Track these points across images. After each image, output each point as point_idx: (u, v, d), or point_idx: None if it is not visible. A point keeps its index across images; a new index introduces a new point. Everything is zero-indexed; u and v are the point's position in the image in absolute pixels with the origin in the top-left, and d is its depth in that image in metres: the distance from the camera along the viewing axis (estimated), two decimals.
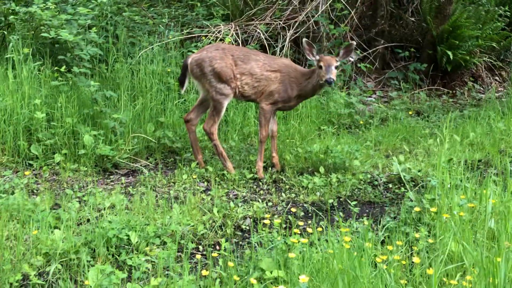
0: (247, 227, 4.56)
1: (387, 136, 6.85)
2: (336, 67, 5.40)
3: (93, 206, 4.69)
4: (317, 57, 5.45)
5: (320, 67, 5.37)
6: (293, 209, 4.79)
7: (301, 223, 4.43)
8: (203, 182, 5.46)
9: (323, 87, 5.64)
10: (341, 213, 4.83)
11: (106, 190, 5.21)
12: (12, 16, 7.07)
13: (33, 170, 5.54)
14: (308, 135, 6.71)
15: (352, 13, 8.70)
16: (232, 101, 6.43)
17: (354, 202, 4.83)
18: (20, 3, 7.37)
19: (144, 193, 5.05)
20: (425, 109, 8.25)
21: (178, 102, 6.75)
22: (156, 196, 5.06)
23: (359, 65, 8.73)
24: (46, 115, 5.92)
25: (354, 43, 5.61)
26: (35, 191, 5.08)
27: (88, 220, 4.45)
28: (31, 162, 5.62)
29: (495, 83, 10.03)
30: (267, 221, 4.26)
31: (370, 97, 8.58)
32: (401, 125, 7.24)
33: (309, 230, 3.98)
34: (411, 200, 4.56)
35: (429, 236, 4.03)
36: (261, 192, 5.35)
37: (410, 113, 7.81)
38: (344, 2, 8.56)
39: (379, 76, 9.34)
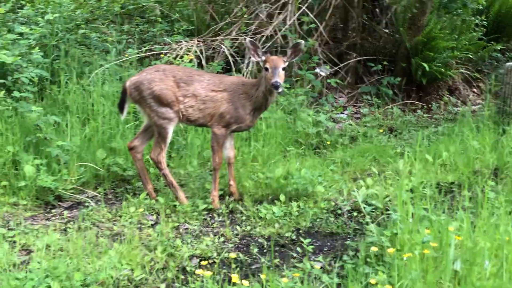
0: (193, 269, 4.12)
1: (355, 156, 6.45)
2: (284, 69, 4.98)
3: (25, 248, 4.25)
4: (263, 58, 5.03)
5: (266, 69, 4.96)
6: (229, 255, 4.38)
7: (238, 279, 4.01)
8: (152, 215, 5.02)
9: (272, 93, 5.12)
10: (298, 249, 4.41)
11: (45, 226, 4.76)
12: None
13: None
14: (272, 157, 6.29)
15: (321, 27, 8.34)
16: None
17: (308, 240, 4.38)
18: None
19: (85, 230, 4.62)
20: (398, 125, 7.86)
21: (132, 125, 6.31)
22: (97, 233, 4.62)
23: (329, 80, 8.33)
24: None
25: (303, 42, 5.14)
26: None
27: (15, 266, 4.01)
28: None
29: (473, 95, 9.67)
30: (213, 261, 3.85)
31: (341, 113, 8.18)
32: (371, 144, 6.84)
33: (245, 283, 3.56)
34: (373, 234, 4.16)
35: (390, 277, 3.62)
36: (215, 224, 4.92)
37: (381, 130, 7.41)
38: (312, 16, 8.20)
39: (351, 91, 8.96)
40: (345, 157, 6.45)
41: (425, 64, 8.48)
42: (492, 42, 10.06)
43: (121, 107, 5.28)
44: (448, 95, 9.19)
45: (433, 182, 5.70)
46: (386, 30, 9.68)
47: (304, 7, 8.19)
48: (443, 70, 8.73)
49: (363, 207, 4.36)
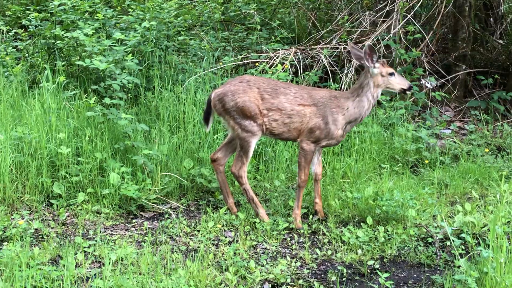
0: None
1: (456, 178, 5.99)
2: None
3: (98, 259, 4.21)
4: (377, 64, 4.96)
5: (392, 74, 4.99)
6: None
7: None
8: (231, 231, 4.85)
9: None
10: (380, 280, 4.09)
11: (123, 237, 4.72)
12: (59, 41, 6.78)
13: (53, 211, 5.14)
14: (364, 175, 5.97)
15: (427, 37, 7.87)
16: None
17: (386, 275, 4.04)
18: (66, 28, 7.08)
19: (160, 244, 4.53)
20: (507, 144, 7.25)
21: (221, 135, 6.19)
22: (173, 248, 4.51)
23: (433, 93, 7.85)
24: (76, 149, 5.54)
25: (368, 43, 5.01)
26: (45, 237, 4.66)
27: (83, 280, 3.96)
28: (53, 201, 5.21)
29: None
30: None
31: (445, 129, 7.68)
32: (475, 164, 6.34)
33: None
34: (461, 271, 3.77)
35: None
36: (294, 246, 4.68)
37: (487, 150, 6.86)
38: (418, 25, 7.76)
39: (459, 105, 8.42)
40: (444, 178, 6.01)
41: None
42: None
43: (206, 119, 5.17)
44: None
45: None
46: (500, 41, 9.02)
47: (410, 16, 7.77)
48: None
49: (452, 240, 3.96)
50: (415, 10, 7.91)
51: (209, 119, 5.15)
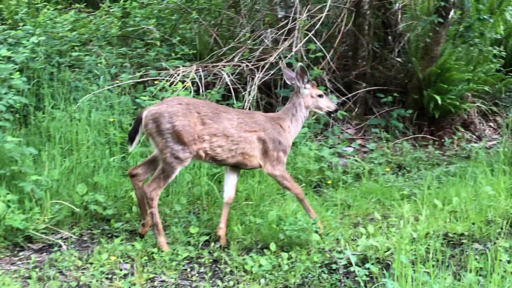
0: None
1: (358, 198, 5.95)
2: None
3: None
4: (308, 85, 5.20)
5: (321, 95, 5.24)
6: None
7: None
8: (127, 263, 4.54)
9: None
10: None
11: (8, 272, 4.32)
12: None
13: None
14: (268, 197, 5.81)
15: (328, 56, 7.85)
16: None
17: None
18: None
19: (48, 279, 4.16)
20: (407, 162, 7.33)
21: (117, 158, 5.86)
22: (62, 285, 4.15)
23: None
24: None
25: (300, 64, 5.17)
26: None
27: None
28: None
29: (489, 130, 9.13)
30: None
31: (347, 147, 7.68)
32: (376, 183, 6.32)
33: None
34: None
35: None
36: (194, 277, 4.43)
37: (387, 169, 6.89)
38: (319, 44, 7.74)
39: (360, 123, 8.47)
40: (347, 198, 5.95)
41: (438, 97, 7.98)
42: (510, 74, 9.55)
43: (132, 138, 4.84)
44: (462, 130, 8.66)
45: (441, 232, 5.20)
46: (399, 59, 9.18)
47: (311, 34, 7.74)
48: (457, 103, 8.23)
49: (357, 271, 3.83)
50: (316, 28, 7.89)
51: (134, 138, 4.83)
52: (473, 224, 5.37)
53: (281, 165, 5.02)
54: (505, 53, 9.73)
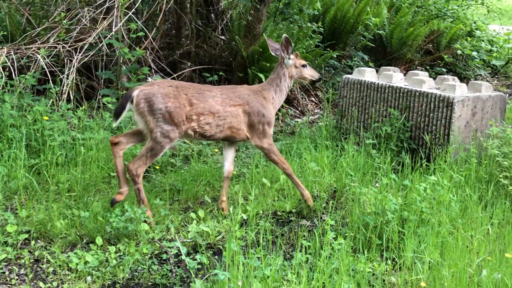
0: None
1: (188, 182, 5.83)
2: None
3: None
4: (292, 56, 5.37)
5: (304, 65, 5.42)
6: None
7: None
8: None
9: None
10: None
11: None
12: None
13: None
14: (93, 187, 5.51)
15: (151, 35, 7.62)
16: None
17: None
18: None
19: None
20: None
21: None
22: None
23: None
24: None
25: (285, 35, 5.32)
26: None
27: None
28: None
29: (311, 104, 9.44)
30: None
31: None
32: (206, 165, 6.25)
33: None
34: None
35: None
36: (14, 280, 4.06)
37: (216, 150, 6.85)
38: (140, 23, 7.46)
39: None
40: (176, 183, 5.81)
41: (261, 75, 8.07)
42: (328, 49, 9.92)
43: (118, 114, 4.90)
44: (286, 106, 8.86)
45: (270, 211, 5.25)
46: (223, 37, 9.17)
47: (131, 13, 7.44)
48: None
49: (187, 262, 3.71)
50: (136, 6, 7.62)
51: (121, 114, 4.89)
52: (300, 201, 5.48)
53: (268, 138, 5.20)
54: (323, 29, 10.11)
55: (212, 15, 9.24)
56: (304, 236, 4.80)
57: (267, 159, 5.66)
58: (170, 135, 4.82)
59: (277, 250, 4.38)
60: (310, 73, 5.49)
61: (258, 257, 3.85)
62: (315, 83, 5.65)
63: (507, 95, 11.00)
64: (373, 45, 11.10)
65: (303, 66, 5.43)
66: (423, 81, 6.61)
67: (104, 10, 7.58)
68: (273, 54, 5.48)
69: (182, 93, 4.91)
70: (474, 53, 11.89)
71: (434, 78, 7.56)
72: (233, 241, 3.55)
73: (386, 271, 4.19)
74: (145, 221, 4.66)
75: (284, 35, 5.30)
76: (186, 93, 4.95)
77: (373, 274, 4.11)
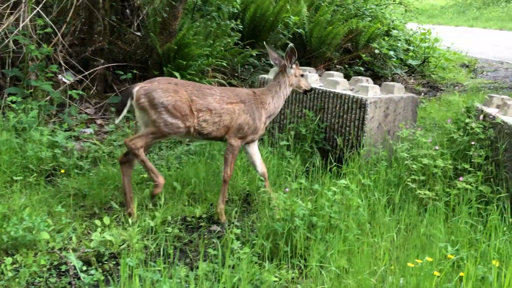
0: None
1: (95, 186, 5.60)
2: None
3: None
4: (294, 66, 5.46)
5: (302, 75, 5.54)
6: None
7: None
8: None
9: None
10: None
11: None
12: None
13: None
14: None
15: (60, 31, 7.32)
16: None
17: None
18: None
19: None
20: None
21: None
22: None
23: (69, 92, 7.33)
24: None
25: (291, 44, 5.42)
26: None
27: None
28: None
29: None
30: None
31: (85, 129, 7.25)
32: (115, 168, 6.02)
33: None
34: None
35: None
36: None
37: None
38: (48, 19, 7.15)
39: (100, 101, 8.09)
40: (82, 187, 5.57)
41: (177, 73, 7.91)
42: (248, 47, 9.85)
43: (119, 111, 4.98)
44: None
45: (179, 217, 5.12)
46: (138, 33, 8.93)
47: (38, 8, 7.12)
48: (197, 78, 8.24)
49: (83, 277, 3.51)
50: (45, 1, 7.30)
51: (122, 111, 4.96)
52: (211, 205, 5.37)
53: (241, 140, 5.21)
54: (242, 27, 10.02)
55: (128, 10, 8.99)
56: (213, 243, 4.69)
57: (222, 154, 5.72)
58: (175, 127, 4.95)
59: (184, 259, 4.24)
60: (305, 84, 5.60)
61: (159, 270, 3.70)
62: (307, 92, 5.69)
63: (423, 94, 11.24)
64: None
65: (302, 76, 5.57)
66: (337, 82, 6.62)
67: (11, 4, 7.23)
68: (272, 62, 5.57)
69: (182, 90, 5.03)
70: (391, 52, 12.09)
71: (349, 79, 7.59)
72: (131, 255, 3.40)
73: (293, 279, 4.13)
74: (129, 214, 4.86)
75: (290, 44, 5.37)
76: (186, 89, 5.07)
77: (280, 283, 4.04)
